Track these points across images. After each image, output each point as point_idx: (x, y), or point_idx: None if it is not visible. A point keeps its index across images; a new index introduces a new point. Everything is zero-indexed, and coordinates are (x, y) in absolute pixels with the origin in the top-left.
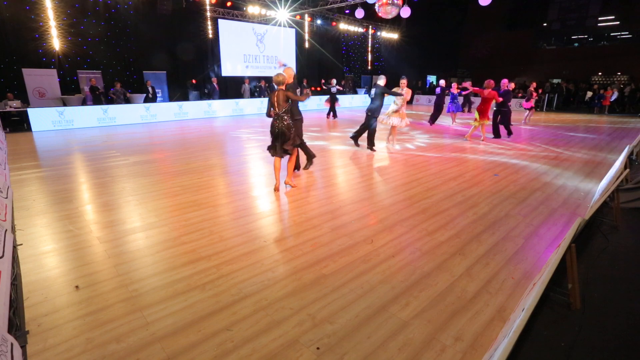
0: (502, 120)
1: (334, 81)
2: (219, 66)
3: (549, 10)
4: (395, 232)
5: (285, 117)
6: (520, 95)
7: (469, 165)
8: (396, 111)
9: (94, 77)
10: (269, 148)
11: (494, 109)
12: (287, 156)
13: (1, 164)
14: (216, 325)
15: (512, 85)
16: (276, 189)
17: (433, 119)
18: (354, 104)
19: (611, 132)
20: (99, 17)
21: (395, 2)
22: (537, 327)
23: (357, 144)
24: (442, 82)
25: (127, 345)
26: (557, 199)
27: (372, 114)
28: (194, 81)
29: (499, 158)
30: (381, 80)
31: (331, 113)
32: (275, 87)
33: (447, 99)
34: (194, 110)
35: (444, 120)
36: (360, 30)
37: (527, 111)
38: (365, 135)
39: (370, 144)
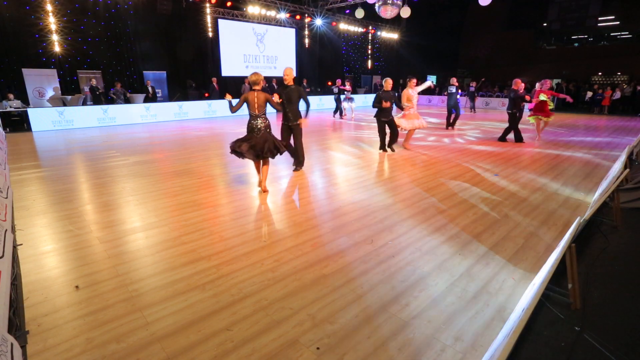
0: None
1: (348, 87)
2: (219, 66)
3: (549, 10)
4: (395, 232)
5: (267, 119)
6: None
7: (469, 166)
8: (403, 116)
9: (94, 77)
10: (244, 153)
11: (509, 111)
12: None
13: (1, 164)
14: (216, 325)
15: (522, 86)
16: (260, 186)
17: (450, 121)
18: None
19: (611, 132)
20: (99, 17)
21: (396, 1)
22: (537, 327)
23: (391, 149)
24: (454, 81)
25: (127, 345)
26: (557, 199)
27: (386, 117)
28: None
29: (498, 157)
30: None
31: (338, 112)
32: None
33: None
34: (194, 110)
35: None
36: (360, 30)
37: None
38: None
39: (385, 145)
